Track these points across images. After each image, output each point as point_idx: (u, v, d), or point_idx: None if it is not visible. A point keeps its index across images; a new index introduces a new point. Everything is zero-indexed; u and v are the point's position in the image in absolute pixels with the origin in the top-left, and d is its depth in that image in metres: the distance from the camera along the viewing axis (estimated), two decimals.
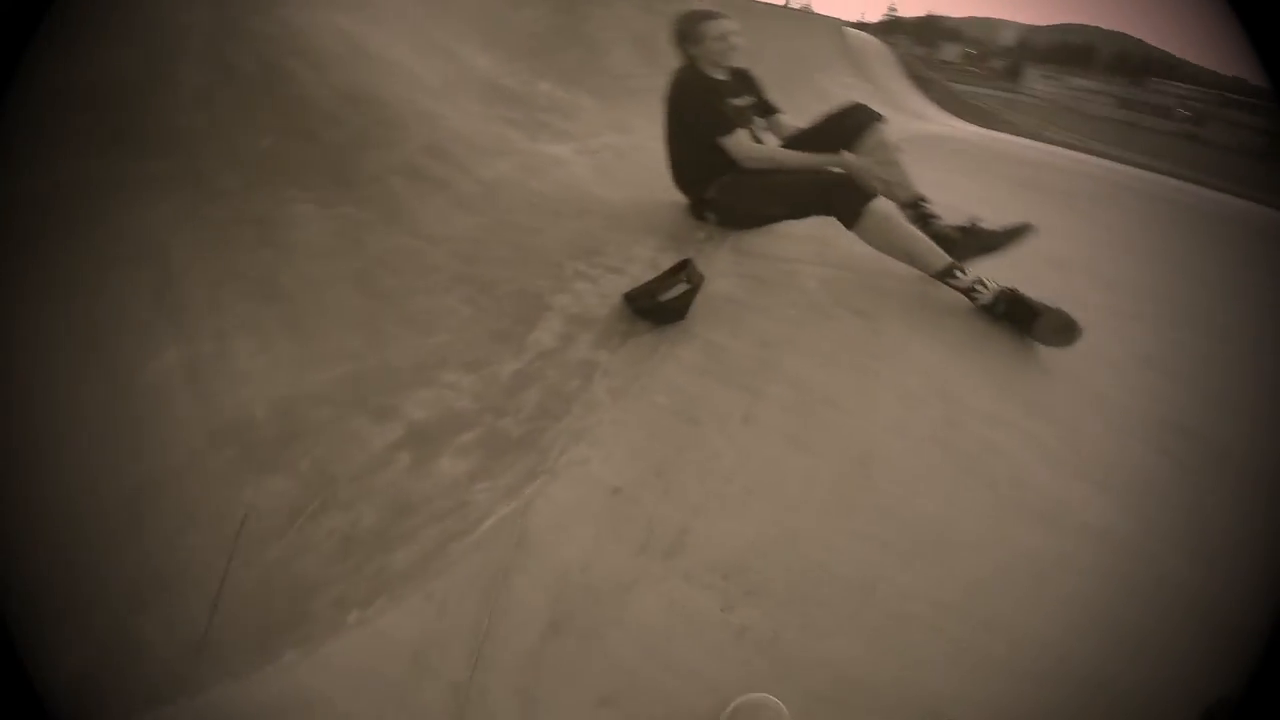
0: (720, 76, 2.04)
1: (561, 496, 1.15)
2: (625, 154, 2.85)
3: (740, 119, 1.96)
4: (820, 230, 2.10)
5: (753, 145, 1.93)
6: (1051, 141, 7.95)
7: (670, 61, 5.31)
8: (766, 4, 6.93)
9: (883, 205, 1.69)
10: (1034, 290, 1.95)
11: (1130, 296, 2.11)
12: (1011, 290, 1.64)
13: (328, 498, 1.16)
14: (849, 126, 1.99)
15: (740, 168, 1.89)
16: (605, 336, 1.49)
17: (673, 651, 0.94)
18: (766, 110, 2.23)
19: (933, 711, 0.89)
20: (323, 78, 2.31)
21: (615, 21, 4.92)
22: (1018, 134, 7.58)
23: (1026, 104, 14.43)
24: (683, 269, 1.47)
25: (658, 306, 1.45)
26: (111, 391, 1.23)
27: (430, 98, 2.65)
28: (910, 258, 1.70)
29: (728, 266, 1.77)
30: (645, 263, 1.78)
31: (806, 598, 1.01)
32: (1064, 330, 1.55)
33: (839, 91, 5.60)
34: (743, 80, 2.19)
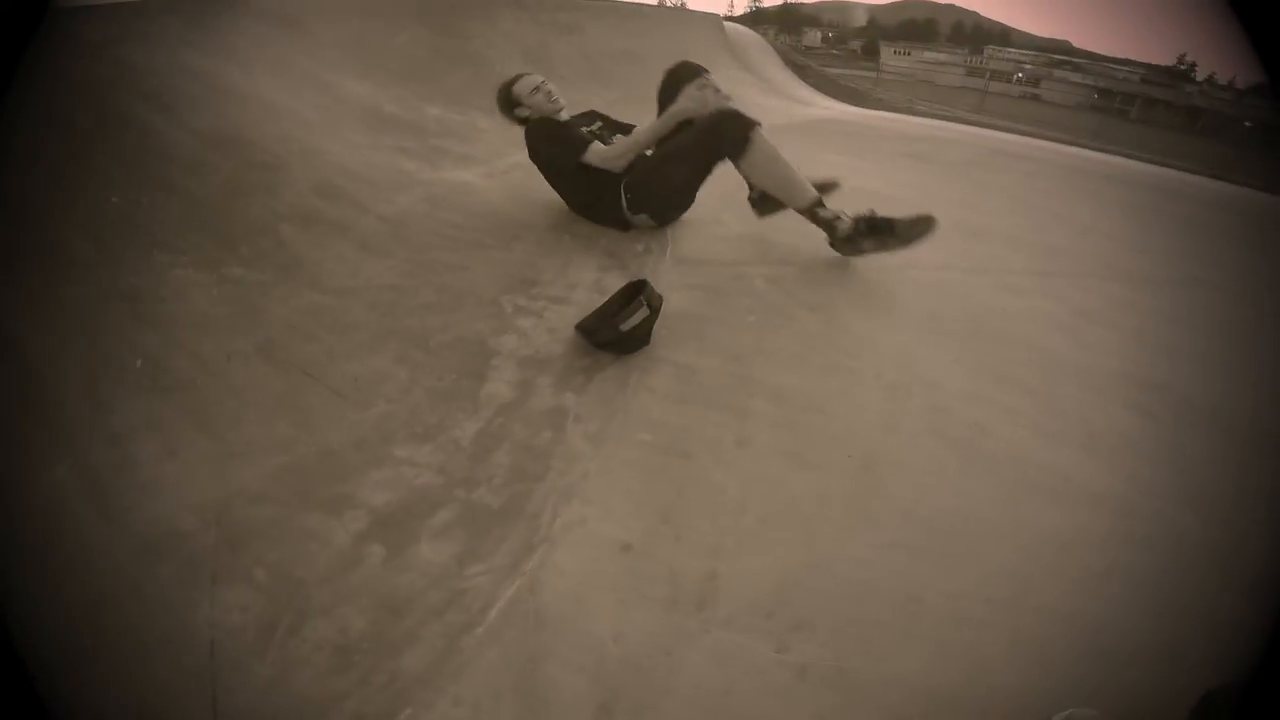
0: (562, 118, 2.15)
1: (569, 565, 1.01)
2: (536, 173, 2.70)
3: (591, 138, 2.05)
4: (753, 228, 2.06)
5: (608, 147, 2.00)
6: (923, 114, 8.51)
7: (565, 69, 5.14)
8: (647, 4, 6.97)
9: (764, 134, 1.76)
10: (962, 260, 1.99)
11: (1047, 257, 2.20)
12: (868, 213, 1.75)
13: (302, 606, 0.97)
14: (682, 80, 2.01)
15: (628, 170, 1.95)
16: (566, 376, 1.35)
17: (735, 706, 0.83)
18: (622, 129, 2.28)
19: (1022, 709, 0.84)
20: (175, 121, 2.02)
21: (501, 38, 4.75)
22: (893, 110, 8.05)
23: (889, 81, 15.43)
24: (638, 291, 1.36)
25: (621, 337, 1.32)
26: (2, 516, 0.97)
27: (308, 133, 2.39)
28: (787, 187, 1.78)
29: (675, 279, 1.68)
30: (589, 287, 1.65)
31: (857, 621, 0.93)
32: (922, 225, 1.69)
33: (728, 86, 5.69)
34: (588, 116, 2.33)
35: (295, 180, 2.01)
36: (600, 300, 1.53)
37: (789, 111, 5.45)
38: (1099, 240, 2.49)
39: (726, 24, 7.39)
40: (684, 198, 2.00)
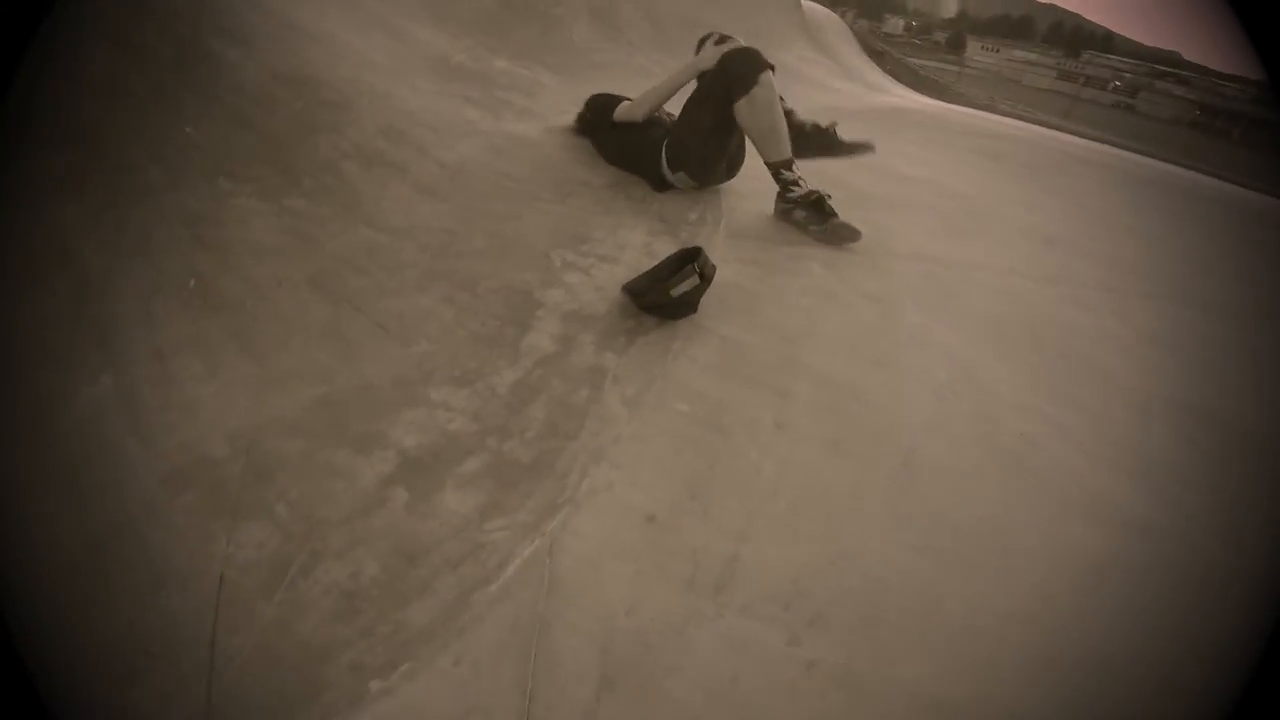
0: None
1: (590, 530, 1.00)
2: None
3: (621, 98, 2.26)
4: None
5: (630, 101, 2.16)
6: (1004, 113, 8.07)
7: (632, 33, 5.05)
8: None
9: (771, 79, 1.80)
10: (1030, 267, 1.89)
11: (1119, 273, 2.08)
12: (820, 193, 1.82)
13: (318, 546, 0.97)
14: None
15: (662, 125, 2.06)
16: (609, 336, 1.34)
17: (740, 695, 0.83)
18: None
19: None
20: (251, 56, 2.05)
21: None
22: (973, 106, 7.66)
23: (972, 76, 14.69)
24: (692, 258, 1.33)
25: (669, 302, 1.30)
26: (40, 431, 1.02)
27: (378, 76, 2.41)
28: (771, 137, 1.82)
29: (728, 252, 1.64)
30: (639, 249, 1.63)
31: (873, 621, 0.91)
32: (848, 232, 1.77)
33: (800, 66, 5.50)
34: None
35: (361, 120, 2.03)
36: (649, 264, 1.51)
37: (860, 97, 5.24)
38: (1173, 261, 2.34)
39: (804, 2, 7.12)
40: (716, 146, 1.96)
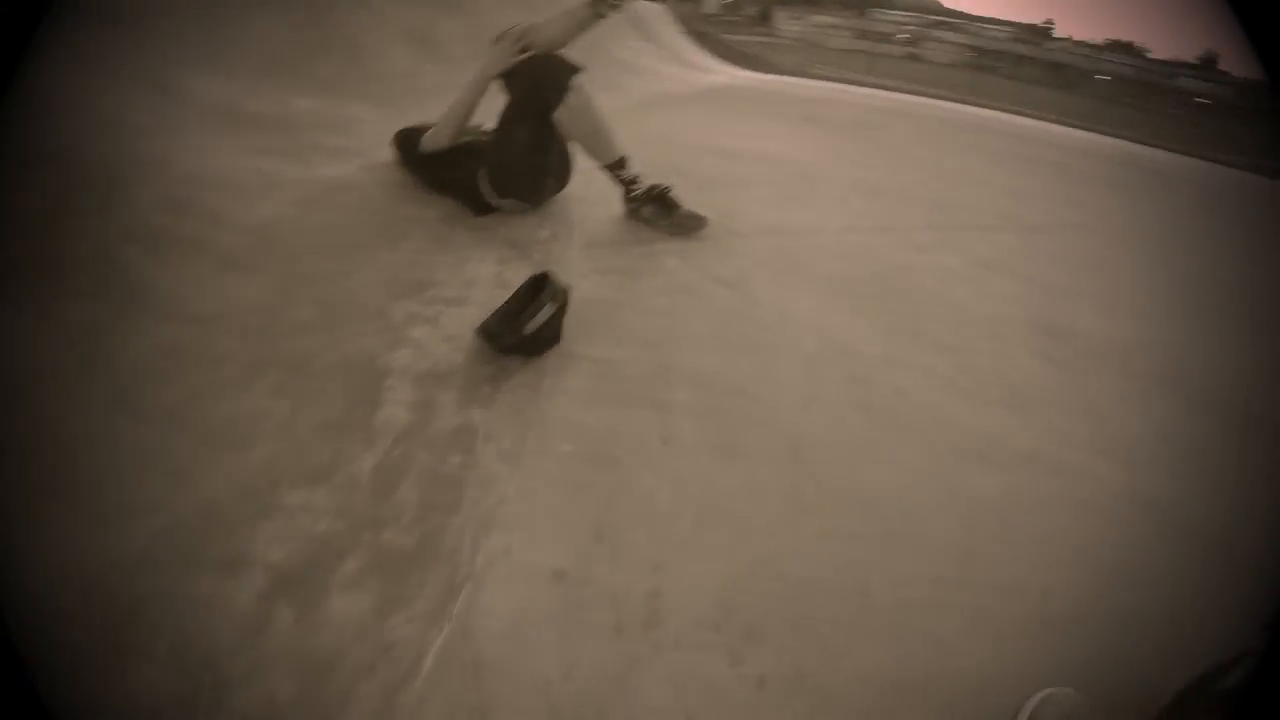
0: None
1: (499, 603, 0.91)
2: None
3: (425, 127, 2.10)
4: None
5: (431, 129, 2.00)
6: (815, 77, 8.71)
7: (457, 50, 4.83)
8: None
9: (583, 82, 1.72)
10: (865, 220, 2.01)
11: (943, 211, 2.27)
12: (661, 187, 1.82)
13: (215, 679, 0.85)
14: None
15: (475, 148, 1.91)
16: (471, 390, 1.22)
17: None
18: None
19: (987, 688, 0.83)
20: None
21: (379, 21, 4.36)
22: (788, 74, 8.19)
23: (783, 45, 15.77)
24: (542, 286, 1.25)
25: (528, 340, 1.21)
26: None
27: (148, 142, 2.08)
28: (597, 139, 1.79)
29: (584, 265, 1.58)
30: (490, 283, 1.52)
31: (807, 620, 0.89)
32: (695, 222, 1.78)
33: (631, 57, 5.56)
34: None
35: (134, 197, 1.73)
36: (504, 296, 1.41)
37: (691, 80, 5.40)
38: (986, 191, 2.60)
39: None
40: (538, 164, 1.87)
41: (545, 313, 1.19)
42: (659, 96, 4.37)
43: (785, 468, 1.10)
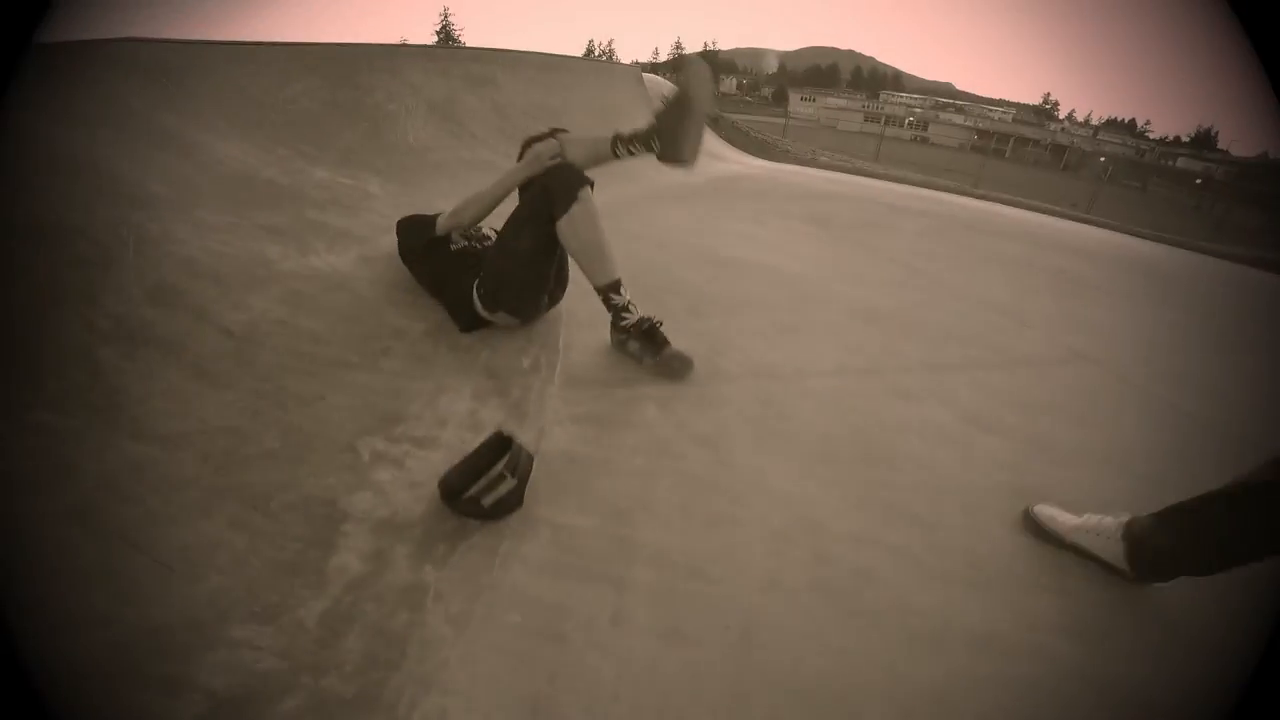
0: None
1: None
2: None
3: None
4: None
5: (446, 212, 2.05)
6: (826, 165, 8.99)
7: (476, 125, 4.99)
8: (567, 56, 7.00)
9: (590, 194, 1.73)
10: (856, 359, 1.99)
11: (938, 344, 2.25)
12: (652, 321, 1.78)
13: None
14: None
15: (476, 257, 1.98)
16: (427, 546, 1.18)
17: None
18: None
19: None
20: None
21: (406, 90, 4.55)
22: (799, 163, 8.45)
23: (796, 127, 16.37)
24: (504, 451, 1.22)
25: (486, 512, 1.18)
26: None
27: (153, 214, 2.11)
28: (594, 258, 1.76)
29: (561, 409, 1.55)
30: (462, 423, 1.49)
31: None
32: (682, 365, 1.75)
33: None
34: None
35: (123, 281, 1.74)
36: (473, 440, 1.38)
37: (700, 168, 5.54)
38: (986, 315, 2.60)
39: (647, 76, 7.52)
40: (537, 276, 1.85)
41: (505, 487, 1.16)
42: (665, 189, 4.47)
43: (730, 654, 1.05)
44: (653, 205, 3.98)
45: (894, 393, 1.86)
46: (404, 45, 5.07)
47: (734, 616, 1.12)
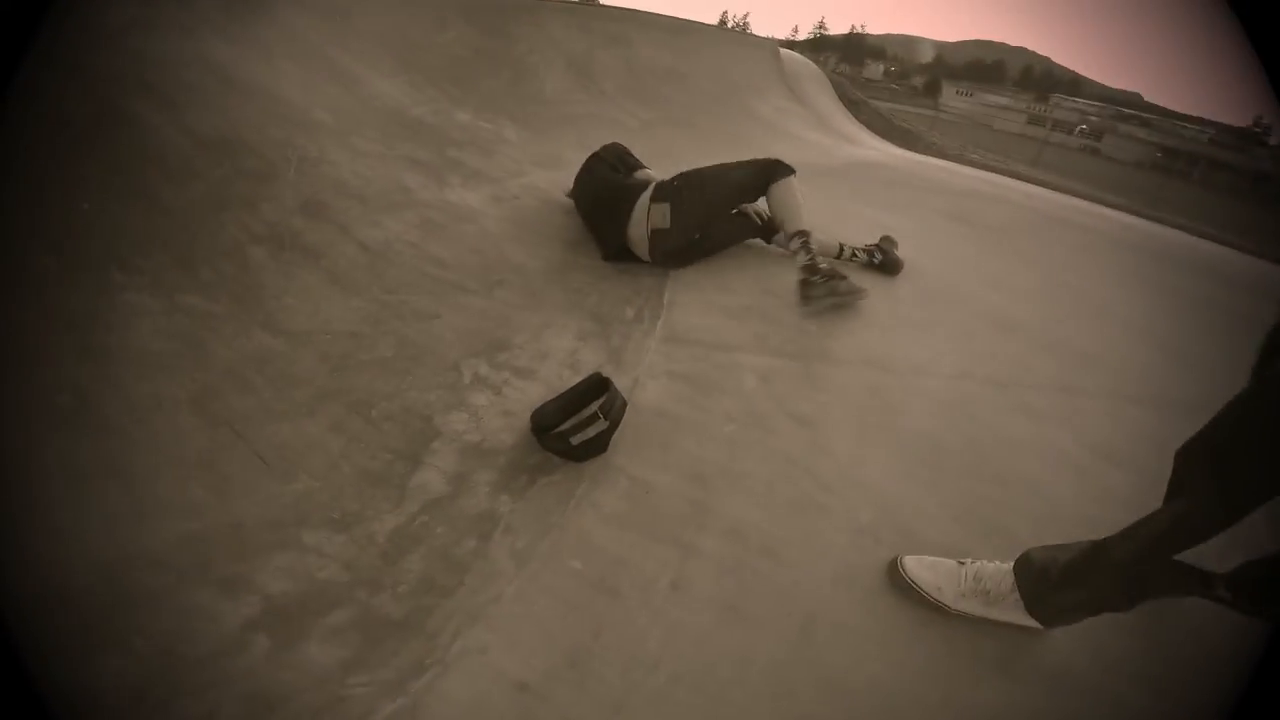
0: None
1: (456, 694, 0.91)
2: (550, 196, 2.57)
3: None
4: (759, 300, 1.90)
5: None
6: (975, 163, 8.20)
7: (608, 83, 5.00)
8: (701, 23, 6.84)
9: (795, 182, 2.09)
10: (983, 367, 1.81)
11: (1077, 367, 1.99)
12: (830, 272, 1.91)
13: (174, 682, 0.91)
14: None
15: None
16: (509, 475, 1.21)
17: None
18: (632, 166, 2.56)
19: None
20: (174, 120, 1.93)
21: (548, 43, 4.65)
22: (943, 156, 7.77)
23: (946, 122, 15.08)
24: (600, 393, 1.21)
25: (572, 450, 1.18)
26: None
27: (315, 137, 2.29)
28: (794, 214, 2.04)
29: (658, 362, 1.53)
30: (562, 360, 1.51)
31: None
32: (811, 298, 1.87)
33: (775, 118, 5.52)
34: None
35: (282, 194, 1.91)
36: (571, 379, 1.39)
37: (837, 151, 5.25)
38: (1141, 346, 2.27)
39: (784, 51, 7.19)
40: (715, 223, 2.11)
41: (595, 428, 1.15)
42: (797, 163, 4.27)
43: (787, 644, 1.00)
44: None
45: (1018, 408, 1.67)
46: (549, 0, 5.16)
47: (799, 605, 1.06)
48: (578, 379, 1.35)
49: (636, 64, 5.10)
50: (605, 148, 2.41)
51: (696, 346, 1.62)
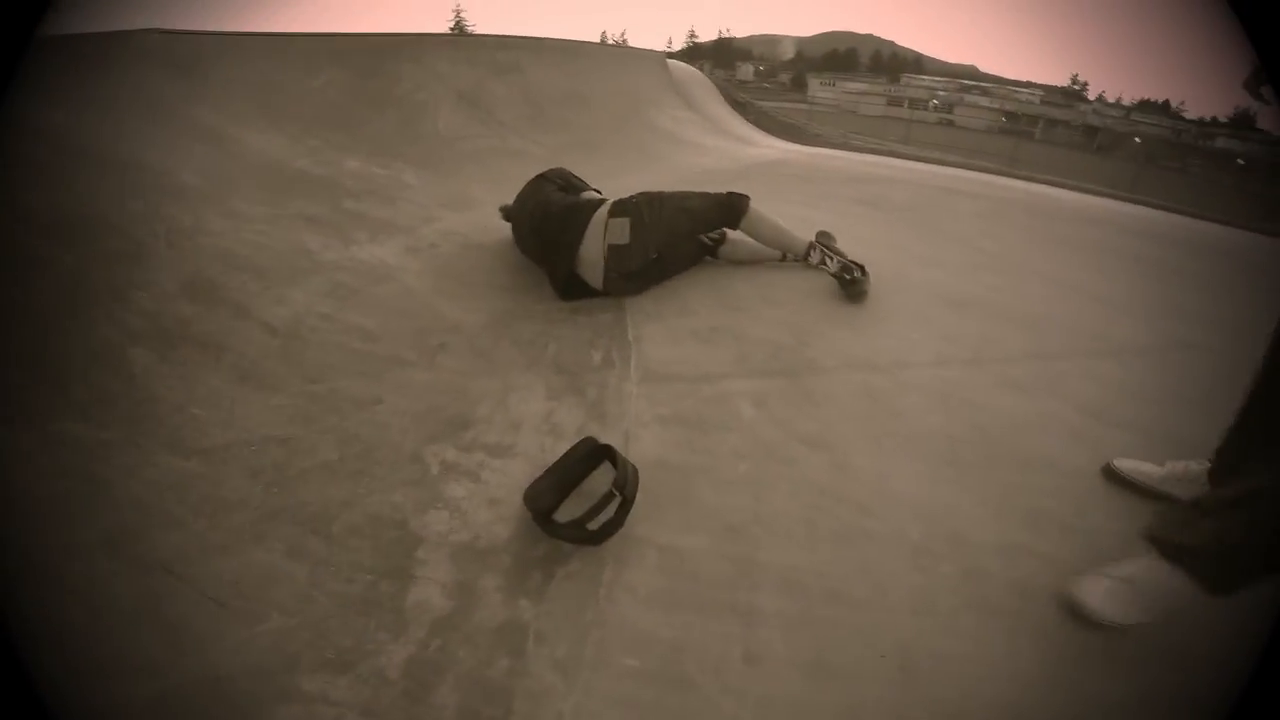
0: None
1: None
2: (470, 240, 2.36)
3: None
4: (724, 319, 1.79)
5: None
6: (859, 149, 8.65)
7: (505, 113, 4.81)
8: (594, 44, 6.80)
9: (758, 205, 2.06)
10: (955, 349, 1.79)
11: (1036, 332, 2.03)
12: (857, 264, 2.03)
13: None
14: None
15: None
16: (519, 575, 1.01)
17: None
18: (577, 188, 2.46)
19: None
20: (11, 203, 1.60)
21: (433, 78, 4.41)
22: (830, 146, 8.14)
23: (820, 113, 15.94)
24: (598, 460, 1.05)
25: (590, 536, 1.01)
26: None
27: (186, 206, 1.98)
28: (786, 235, 2.11)
29: (644, 408, 1.37)
30: (538, 426, 1.32)
31: None
32: (861, 293, 1.97)
33: (675, 127, 5.53)
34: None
35: (157, 276, 1.61)
36: (554, 446, 1.21)
37: (737, 154, 5.32)
38: (1074, 299, 2.36)
39: (669, 61, 7.28)
40: (677, 255, 2.05)
41: (611, 508, 0.98)
42: (707, 172, 4.27)
43: (892, 689, 0.88)
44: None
45: (1004, 384, 1.65)
46: (428, 35, 4.94)
47: (887, 644, 0.94)
48: (563, 445, 1.17)
49: (532, 91, 4.96)
50: (551, 170, 2.27)
51: (678, 382, 1.48)
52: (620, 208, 1.85)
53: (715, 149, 5.23)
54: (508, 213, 2.29)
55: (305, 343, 1.53)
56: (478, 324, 1.69)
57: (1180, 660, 0.97)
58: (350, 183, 2.81)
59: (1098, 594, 0.99)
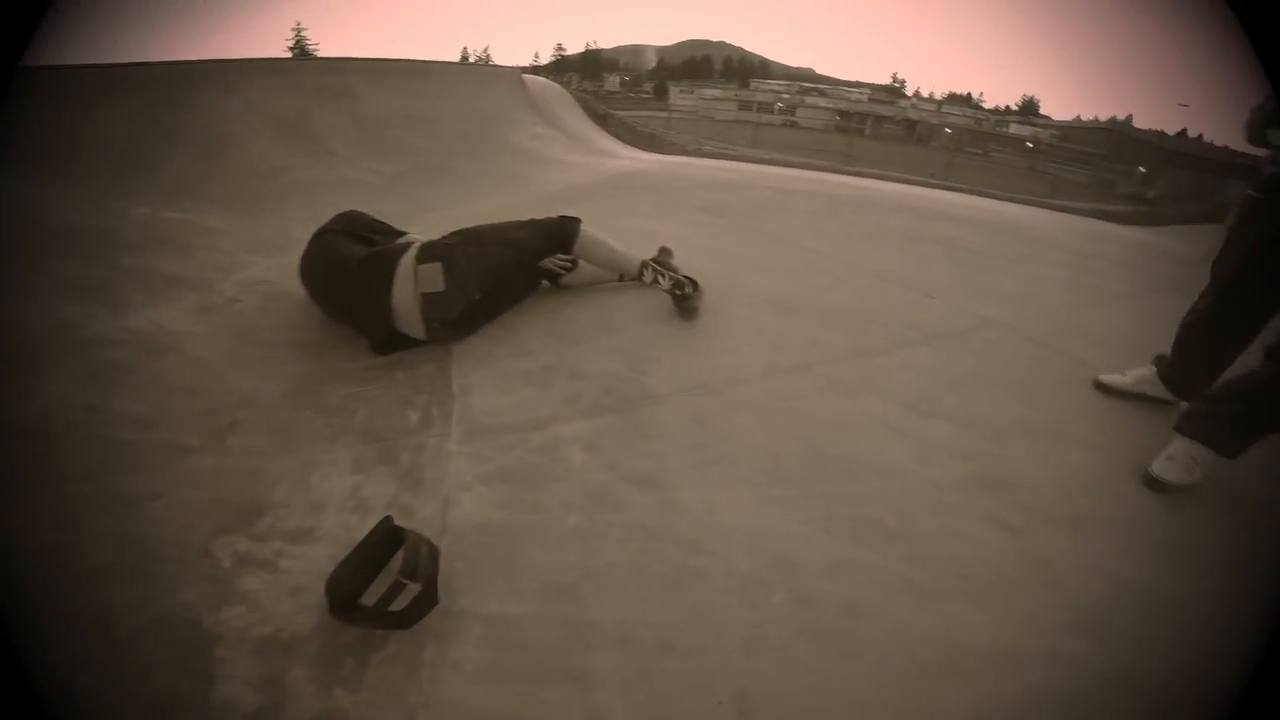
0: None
1: None
2: (281, 289, 2.14)
3: None
4: (558, 356, 1.76)
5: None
6: (711, 154, 9.10)
7: (334, 141, 4.48)
8: (444, 63, 6.51)
9: (589, 228, 2.04)
10: (783, 357, 1.88)
11: (857, 329, 2.19)
12: (689, 280, 2.10)
13: None
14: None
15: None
16: (331, 664, 0.91)
17: None
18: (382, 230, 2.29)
19: None
20: None
21: (246, 108, 4.00)
22: (685, 154, 8.48)
23: (679, 120, 16.60)
24: (398, 544, 0.97)
25: (394, 619, 0.92)
26: None
27: None
28: (618, 256, 2.13)
29: (465, 469, 1.30)
30: (343, 505, 1.20)
31: None
32: (693, 309, 2.02)
33: (535, 146, 5.45)
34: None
35: None
36: (362, 524, 1.11)
37: (596, 167, 5.34)
38: (894, 290, 2.59)
39: (527, 77, 7.18)
40: (500, 291, 1.96)
41: (409, 593, 0.91)
42: (566, 189, 4.25)
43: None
44: (547, 210, 3.75)
45: (829, 388, 1.76)
46: (235, 61, 4.49)
47: (723, 688, 0.94)
48: (370, 522, 1.08)
49: (366, 116, 4.65)
50: (335, 219, 2.01)
51: (505, 434, 1.42)
52: (429, 252, 1.74)
53: (574, 164, 5.22)
54: (302, 275, 1.98)
55: (63, 442, 1.29)
56: (276, 394, 1.52)
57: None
58: (133, 234, 2.45)
59: (1160, 468, 1.46)
